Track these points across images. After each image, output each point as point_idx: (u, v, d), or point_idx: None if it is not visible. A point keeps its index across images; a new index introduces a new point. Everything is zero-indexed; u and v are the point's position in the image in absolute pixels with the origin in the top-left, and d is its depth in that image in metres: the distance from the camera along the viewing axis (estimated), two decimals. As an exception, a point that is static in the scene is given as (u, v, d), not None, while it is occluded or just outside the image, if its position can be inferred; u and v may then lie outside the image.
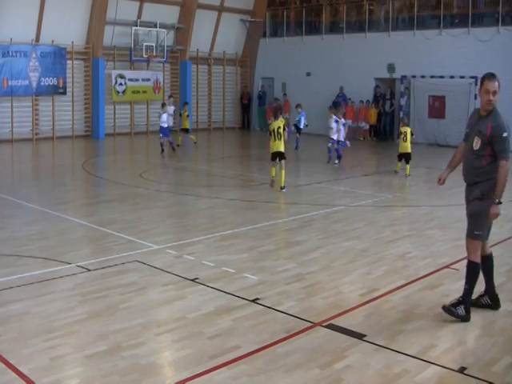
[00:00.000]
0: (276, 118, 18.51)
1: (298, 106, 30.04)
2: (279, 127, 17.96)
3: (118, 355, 7.18)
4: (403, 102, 33.60)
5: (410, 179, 20.45)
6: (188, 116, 30.08)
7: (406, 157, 21.31)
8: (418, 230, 13.93)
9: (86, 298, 9.06)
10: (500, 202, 8.22)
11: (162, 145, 26.92)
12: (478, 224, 8.43)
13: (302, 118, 29.26)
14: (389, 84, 35.21)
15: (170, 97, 31.83)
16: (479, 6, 32.17)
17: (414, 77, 33.01)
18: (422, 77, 32.28)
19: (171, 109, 28.97)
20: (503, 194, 8.16)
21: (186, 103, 31.19)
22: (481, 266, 8.58)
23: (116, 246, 12.04)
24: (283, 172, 18.10)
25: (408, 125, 22.34)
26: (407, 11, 35.02)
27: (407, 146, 21.30)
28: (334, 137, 23.64)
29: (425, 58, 32.16)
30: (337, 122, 23.56)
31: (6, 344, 7.43)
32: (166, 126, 27.22)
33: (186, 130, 30.01)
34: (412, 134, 21.58)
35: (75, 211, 15.53)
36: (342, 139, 23.91)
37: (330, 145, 24.03)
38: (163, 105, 28.90)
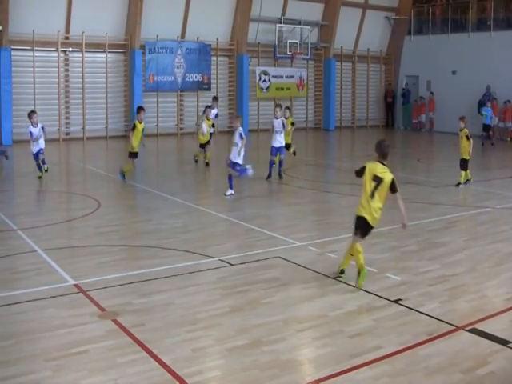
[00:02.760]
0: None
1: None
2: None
3: (258, 349, 7.25)
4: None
5: (463, 188, 18.56)
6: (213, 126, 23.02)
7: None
8: None
9: (229, 292, 9.20)
10: None
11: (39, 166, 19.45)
12: None
13: (489, 114, 28.91)
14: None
15: (32, 112, 20.16)
16: None
17: None
18: None
19: (36, 130, 19.31)
20: None
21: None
22: None
23: (258, 241, 12.18)
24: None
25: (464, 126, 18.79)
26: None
27: (461, 151, 18.83)
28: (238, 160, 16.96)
29: None
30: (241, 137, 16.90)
31: (150, 333, 7.65)
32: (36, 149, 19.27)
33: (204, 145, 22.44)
34: (468, 138, 18.55)
35: (218, 205, 15.78)
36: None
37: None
38: (31, 114, 19.81)
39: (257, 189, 17.93)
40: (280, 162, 19.65)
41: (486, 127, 29.59)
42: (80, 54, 29.99)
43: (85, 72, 30.15)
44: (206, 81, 33.47)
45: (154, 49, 31.46)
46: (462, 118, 19.01)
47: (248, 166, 16.96)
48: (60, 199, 16.71)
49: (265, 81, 35.68)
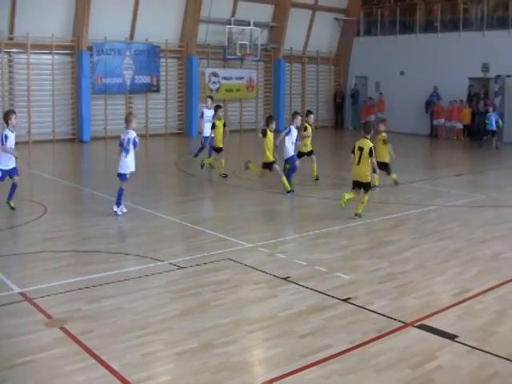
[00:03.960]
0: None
1: (489, 105, 30.26)
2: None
3: (209, 352, 7.23)
4: (497, 101, 32.97)
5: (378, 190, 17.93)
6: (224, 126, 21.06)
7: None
8: (511, 230, 13.69)
9: (179, 295, 9.17)
10: None
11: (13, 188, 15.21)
12: None
13: (493, 119, 29.24)
14: (483, 83, 34.60)
15: (11, 112, 15.61)
16: None
17: (508, 76, 32.39)
18: (517, 76, 31.63)
19: (12, 137, 14.99)
20: None
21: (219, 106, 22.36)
22: None
23: (208, 243, 12.15)
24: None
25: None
26: (502, 10, 34.50)
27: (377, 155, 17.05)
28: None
29: (520, 57, 31.45)
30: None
31: (99, 340, 7.56)
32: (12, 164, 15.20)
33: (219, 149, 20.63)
34: (384, 142, 17.98)
35: (168, 209, 15.72)
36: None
37: None
38: (9, 114, 15.22)
39: (207, 191, 17.92)
40: (289, 171, 18.08)
41: (491, 132, 29.89)
42: (25, 56, 29.46)
43: (30, 74, 29.62)
44: (155, 83, 33.24)
45: (102, 50, 31.10)
46: (382, 121, 18.84)
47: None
48: (3, 205, 16.41)
49: (214, 82, 35.57)
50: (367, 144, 14.28)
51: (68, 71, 31.02)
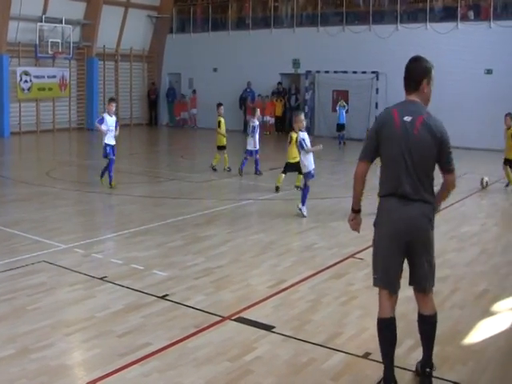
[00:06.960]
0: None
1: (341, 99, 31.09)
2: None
3: (26, 358, 7.05)
4: (308, 96, 34.23)
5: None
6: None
7: None
8: (323, 221, 14.27)
9: (-8, 302, 8.89)
10: (354, 210, 6.60)
11: None
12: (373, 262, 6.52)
13: (343, 112, 29.89)
14: (294, 79, 35.80)
15: None
16: (380, 4, 33.49)
17: (318, 72, 33.79)
18: (326, 72, 33.08)
19: None
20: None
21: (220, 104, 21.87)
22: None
23: (22, 246, 11.79)
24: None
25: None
26: (311, 8, 35.85)
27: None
28: None
29: (328, 53, 32.88)
30: None
31: None
32: None
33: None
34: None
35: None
36: None
37: None
38: None
39: (20, 193, 17.40)
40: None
41: (340, 126, 30.40)
42: None
43: None
44: (-38, 82, 31.99)
45: None
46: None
47: None
48: None
49: (26, 81, 34.59)
50: (293, 135, 15.85)
51: None
